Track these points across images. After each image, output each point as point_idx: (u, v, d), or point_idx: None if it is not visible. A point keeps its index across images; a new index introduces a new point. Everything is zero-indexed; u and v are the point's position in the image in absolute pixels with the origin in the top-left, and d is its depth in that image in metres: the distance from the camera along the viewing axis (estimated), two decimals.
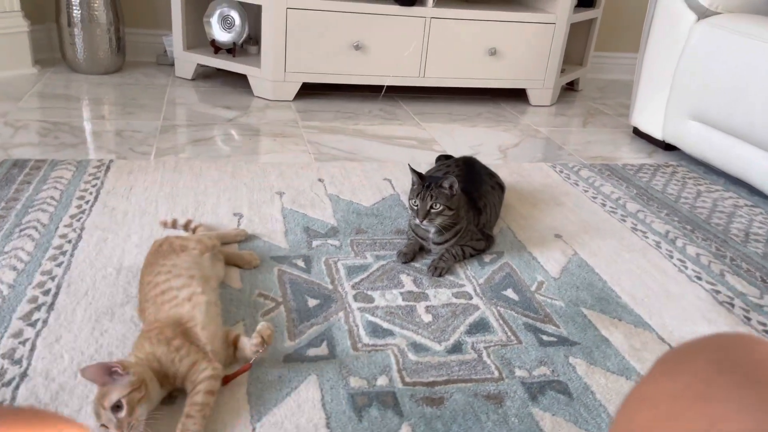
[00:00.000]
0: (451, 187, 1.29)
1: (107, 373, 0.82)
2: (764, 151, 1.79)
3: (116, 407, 0.80)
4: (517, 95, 2.82)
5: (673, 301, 1.28)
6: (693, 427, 0.28)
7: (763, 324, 1.23)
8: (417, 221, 1.31)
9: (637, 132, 2.39)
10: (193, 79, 2.64)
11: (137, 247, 1.29)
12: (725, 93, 1.86)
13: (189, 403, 0.86)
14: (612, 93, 3.13)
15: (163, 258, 1.09)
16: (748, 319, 1.25)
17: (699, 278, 1.38)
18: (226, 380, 0.94)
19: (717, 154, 1.95)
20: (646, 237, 1.55)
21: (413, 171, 1.33)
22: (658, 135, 2.21)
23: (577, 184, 1.86)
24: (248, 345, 0.95)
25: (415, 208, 1.31)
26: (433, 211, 1.29)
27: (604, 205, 1.73)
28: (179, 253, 1.11)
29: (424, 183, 1.31)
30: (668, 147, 2.25)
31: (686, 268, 1.42)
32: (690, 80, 2.01)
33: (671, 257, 1.46)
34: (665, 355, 0.34)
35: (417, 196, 1.30)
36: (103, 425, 0.81)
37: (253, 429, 0.87)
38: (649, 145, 2.32)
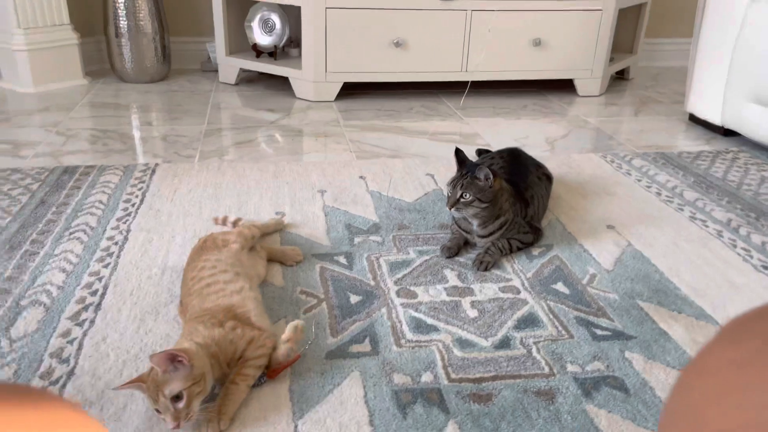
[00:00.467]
0: (486, 178, 1.25)
1: (172, 361, 0.81)
2: None
3: (176, 398, 0.80)
4: (564, 86, 2.73)
5: (737, 292, 1.20)
6: (763, 399, 0.24)
7: None
8: (447, 208, 1.28)
9: (693, 119, 2.28)
10: (236, 84, 2.67)
11: (181, 247, 1.30)
12: None
13: (236, 372, 0.88)
14: (665, 80, 3.00)
15: (207, 253, 1.09)
16: None
17: (766, 268, 1.29)
18: (274, 373, 0.92)
19: None
20: (706, 226, 1.47)
21: (457, 155, 1.30)
22: (716, 121, 2.10)
23: (630, 174, 1.78)
24: (282, 349, 0.93)
25: (448, 195, 1.27)
26: (462, 201, 1.25)
27: (659, 194, 1.64)
28: (221, 249, 1.10)
29: (461, 171, 1.27)
30: (727, 133, 2.13)
31: (751, 257, 1.33)
32: (749, 62, 1.89)
33: (734, 246, 1.37)
34: (730, 322, 0.29)
35: (452, 182, 1.27)
36: (156, 410, 0.80)
37: (296, 426, 0.85)
38: (707, 131, 2.20)
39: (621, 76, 3.00)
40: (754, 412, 0.24)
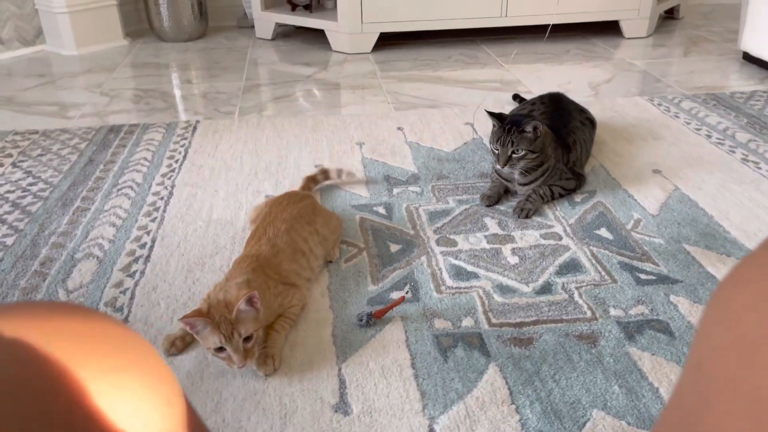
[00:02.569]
0: (534, 129, 1.22)
1: (250, 303, 0.84)
2: None
3: (246, 338, 0.83)
4: (609, 28, 2.62)
5: None
6: None
7: None
8: (498, 166, 1.25)
9: (747, 57, 2.16)
10: (273, 39, 2.66)
11: (224, 200, 1.33)
12: None
13: (277, 321, 0.93)
14: (717, 18, 2.84)
15: (305, 223, 1.08)
16: None
17: None
18: (381, 313, 0.95)
19: None
20: (759, 168, 1.41)
21: (491, 115, 1.27)
22: None
23: (678, 117, 1.71)
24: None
25: (496, 152, 1.25)
26: (515, 156, 1.23)
27: (709, 136, 1.58)
28: (311, 223, 1.09)
29: (504, 126, 1.24)
30: None
31: None
32: None
33: None
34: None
35: (498, 140, 1.24)
36: (218, 349, 0.82)
37: (339, 369, 0.87)
38: (762, 70, 2.09)
39: (670, 15, 2.86)
40: None
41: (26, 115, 1.87)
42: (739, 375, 0.23)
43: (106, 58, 2.47)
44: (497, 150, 1.25)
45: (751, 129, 1.61)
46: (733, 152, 1.49)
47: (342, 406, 0.81)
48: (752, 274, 0.26)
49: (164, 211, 1.29)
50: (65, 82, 2.18)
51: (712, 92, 1.89)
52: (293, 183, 1.39)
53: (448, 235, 1.19)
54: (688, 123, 1.67)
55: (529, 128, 1.22)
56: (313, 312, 0.98)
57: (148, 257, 1.14)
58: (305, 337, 0.93)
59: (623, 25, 2.52)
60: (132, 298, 1.03)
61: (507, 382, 0.84)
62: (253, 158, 1.53)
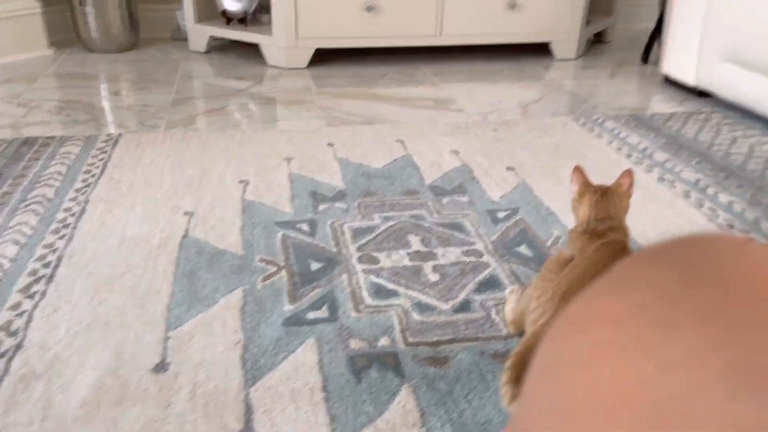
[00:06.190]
0: None
1: None
2: None
3: None
4: (541, 50, 2.69)
5: None
6: (641, 368, 0.19)
7: None
8: None
9: (668, 80, 2.26)
10: (207, 53, 2.61)
11: (141, 217, 1.27)
12: (762, 29, 1.72)
13: None
14: (643, 42, 2.95)
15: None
16: None
17: (731, 227, 1.29)
18: None
19: (754, 97, 1.82)
20: (674, 187, 1.46)
21: None
22: (690, 81, 2.08)
23: (601, 136, 1.76)
24: None
25: None
26: None
27: (629, 156, 1.63)
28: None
29: None
30: (702, 94, 2.11)
31: (717, 216, 1.32)
32: (723, 18, 1.87)
33: (701, 206, 1.37)
34: (614, 269, 0.25)
35: None
36: None
37: (247, 394, 0.84)
38: (682, 92, 2.18)
39: (599, 38, 2.96)
40: (622, 386, 0.20)
41: None
42: None
43: (27, 68, 2.36)
44: None
45: (668, 149, 1.67)
46: (651, 171, 1.54)
47: None
48: (585, 317, 0.23)
49: (75, 228, 1.23)
50: None
51: (634, 113, 1.96)
52: (215, 198, 1.35)
53: (371, 253, 1.17)
54: (611, 143, 1.71)
55: None
56: (221, 334, 0.94)
57: (51, 277, 1.07)
58: (211, 360, 0.89)
59: (554, 47, 2.59)
60: (29, 321, 0.97)
61: (419, 404, 0.82)
62: (175, 173, 1.48)
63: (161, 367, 0.88)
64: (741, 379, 0.18)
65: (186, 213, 1.29)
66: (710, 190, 1.44)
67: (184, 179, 1.44)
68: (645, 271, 0.24)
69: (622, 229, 0.93)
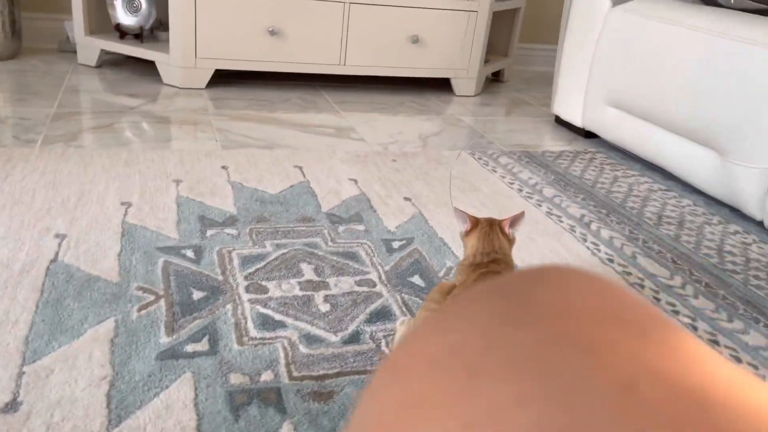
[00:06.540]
0: None
1: None
2: (678, 135, 1.80)
3: None
4: (442, 85, 2.77)
5: None
6: (447, 427, 0.18)
7: (672, 304, 1.21)
8: None
9: (559, 121, 2.38)
10: (98, 67, 2.46)
11: (2, 239, 1.15)
12: (639, 78, 1.86)
13: None
14: (537, 84, 3.13)
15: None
16: (658, 299, 1.22)
17: (611, 261, 1.35)
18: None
19: (633, 139, 1.95)
20: (561, 221, 1.52)
21: None
22: (578, 123, 2.21)
23: (495, 171, 1.81)
24: None
25: None
26: None
27: (520, 190, 1.69)
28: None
29: None
30: (588, 134, 2.24)
31: (599, 251, 1.39)
32: (606, 67, 2.00)
33: (585, 240, 1.43)
34: (446, 304, 0.23)
35: None
36: None
37: None
38: (570, 133, 2.31)
39: (497, 78, 3.10)
40: None
41: None
42: None
43: None
44: None
45: (556, 185, 1.75)
46: (540, 206, 1.60)
47: None
48: (406, 363, 0.21)
49: None
50: None
51: (526, 150, 2.05)
52: (91, 221, 1.25)
53: (259, 281, 1.12)
54: (504, 177, 1.77)
55: None
56: (85, 369, 0.86)
57: None
58: (71, 399, 0.81)
59: (454, 84, 2.68)
60: None
61: None
62: (49, 192, 1.36)
63: (11, 406, 0.79)
64: None
65: (57, 235, 1.18)
66: (593, 226, 1.51)
67: (59, 199, 1.33)
68: (471, 308, 0.22)
69: (506, 262, 0.95)
